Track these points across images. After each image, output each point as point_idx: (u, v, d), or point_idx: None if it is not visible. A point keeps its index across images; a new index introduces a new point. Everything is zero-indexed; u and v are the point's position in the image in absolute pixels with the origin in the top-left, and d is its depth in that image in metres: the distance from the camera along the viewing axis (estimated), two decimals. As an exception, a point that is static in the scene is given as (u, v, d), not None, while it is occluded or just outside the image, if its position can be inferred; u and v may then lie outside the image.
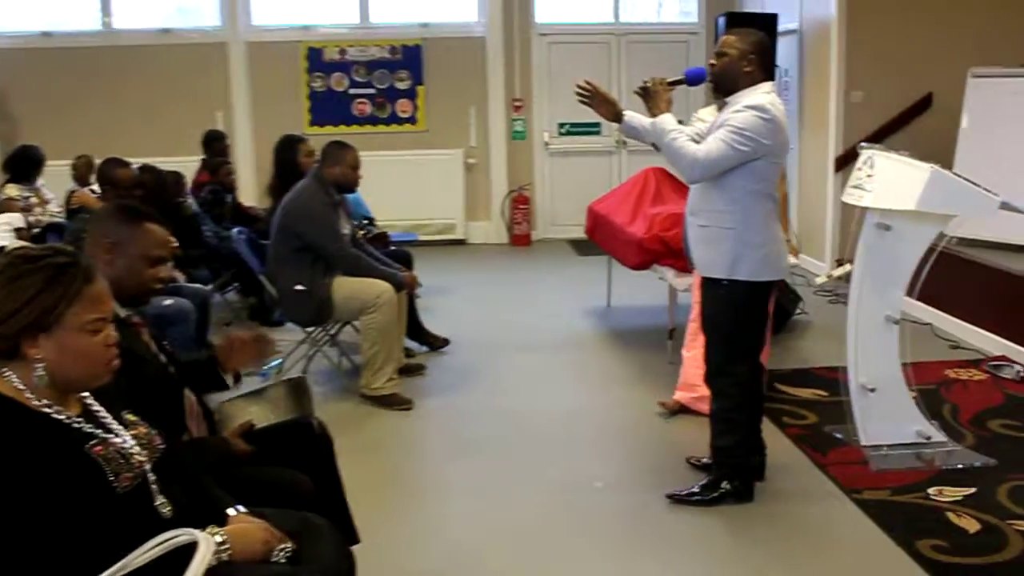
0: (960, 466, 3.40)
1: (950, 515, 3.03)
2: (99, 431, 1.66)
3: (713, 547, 2.96)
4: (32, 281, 1.58)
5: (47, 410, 1.61)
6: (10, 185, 5.68)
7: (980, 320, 5.01)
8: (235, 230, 5.05)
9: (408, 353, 4.86)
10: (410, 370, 4.68)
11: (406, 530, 3.08)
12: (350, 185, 4.43)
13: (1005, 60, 5.69)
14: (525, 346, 5.23)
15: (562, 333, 5.49)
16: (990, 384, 4.37)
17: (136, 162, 5.30)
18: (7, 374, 1.60)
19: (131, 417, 1.77)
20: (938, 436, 3.54)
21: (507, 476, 3.51)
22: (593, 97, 3.14)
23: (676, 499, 3.21)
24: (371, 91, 8.46)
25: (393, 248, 5.34)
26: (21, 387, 1.60)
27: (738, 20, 6.57)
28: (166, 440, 1.82)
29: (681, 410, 4.05)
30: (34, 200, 5.67)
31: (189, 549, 1.59)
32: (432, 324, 5.20)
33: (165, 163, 5.74)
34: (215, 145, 6.69)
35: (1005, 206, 3.30)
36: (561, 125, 8.72)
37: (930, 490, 3.22)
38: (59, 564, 1.52)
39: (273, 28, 8.38)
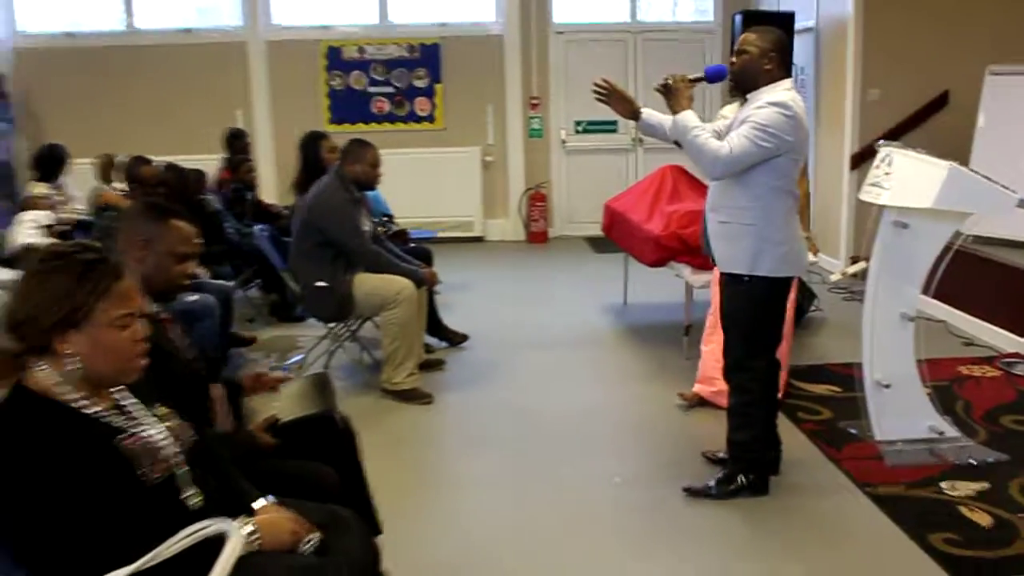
0: (973, 461, 3.42)
1: (963, 509, 3.05)
2: (129, 424, 1.68)
3: (730, 540, 2.98)
4: (62, 278, 1.61)
5: (78, 405, 1.63)
6: (37, 183, 5.79)
7: (993, 317, 5.01)
8: (258, 227, 5.10)
9: (428, 349, 4.90)
10: (430, 365, 4.72)
11: (425, 523, 3.10)
12: (370, 182, 4.46)
13: (1022, 58, 5.67)
14: (542, 342, 5.27)
15: (579, 329, 5.52)
16: (1003, 381, 4.38)
17: (159, 160, 5.40)
18: (40, 369, 1.63)
19: (162, 410, 1.80)
20: (951, 432, 3.56)
21: (525, 471, 3.54)
22: (610, 95, 3.16)
23: (693, 493, 3.24)
24: (390, 89, 8.52)
25: (413, 245, 5.37)
26: (53, 382, 1.62)
27: (754, 19, 6.56)
28: (195, 433, 1.85)
29: (700, 403, 4.09)
30: (59, 198, 5.77)
31: (219, 540, 1.61)
32: (451, 320, 5.25)
33: (186, 161, 5.81)
34: (236, 143, 6.77)
35: (1023, 204, 3.30)
36: (578, 123, 8.76)
37: (943, 484, 3.23)
38: (90, 555, 1.54)
39: (293, 27, 8.46)
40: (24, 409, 1.60)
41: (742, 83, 3.05)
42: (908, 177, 3.35)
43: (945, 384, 4.20)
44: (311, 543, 1.81)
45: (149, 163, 5.13)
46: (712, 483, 3.24)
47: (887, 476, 3.32)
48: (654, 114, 3.19)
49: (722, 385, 3.50)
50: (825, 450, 3.59)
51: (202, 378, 2.32)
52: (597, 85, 3.17)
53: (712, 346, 4.00)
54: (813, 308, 5.49)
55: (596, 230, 6.65)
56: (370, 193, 4.67)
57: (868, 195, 3.50)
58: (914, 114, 6.43)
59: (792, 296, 3.77)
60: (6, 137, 7.54)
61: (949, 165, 3.27)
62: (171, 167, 5.31)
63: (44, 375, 1.62)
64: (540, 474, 3.51)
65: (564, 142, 8.80)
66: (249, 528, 1.70)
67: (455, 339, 5.17)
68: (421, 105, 8.57)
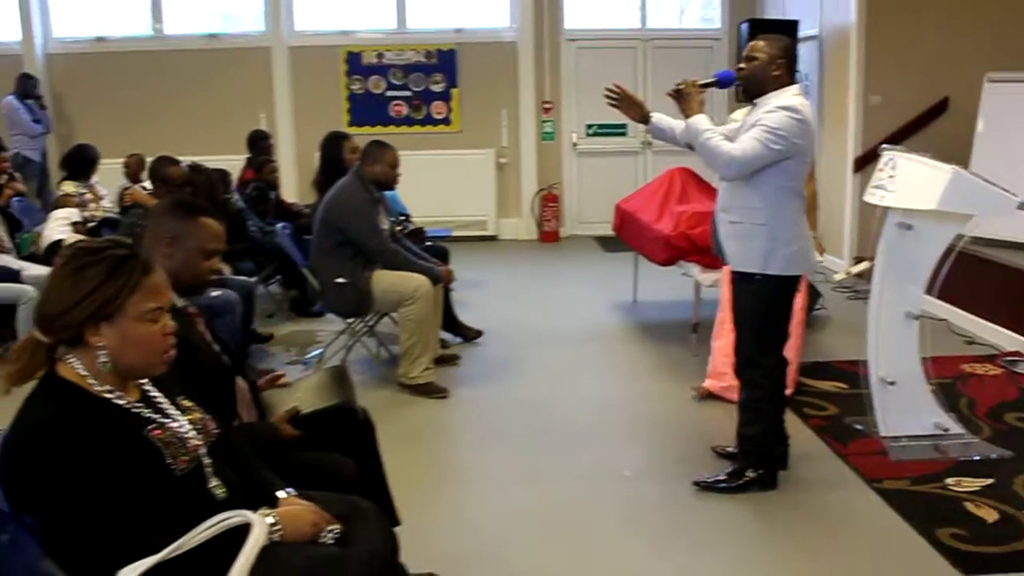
0: (977, 457, 3.44)
1: (968, 505, 3.07)
2: (157, 416, 1.71)
3: (741, 533, 3.00)
4: (95, 272, 1.63)
5: (108, 395, 1.66)
6: (67, 182, 5.94)
7: (995, 316, 5.05)
8: (279, 225, 5.19)
9: (443, 344, 4.97)
10: (445, 360, 4.80)
11: (438, 515, 3.13)
12: (389, 183, 4.54)
13: (1021, 65, 5.72)
14: (554, 338, 5.34)
15: (590, 326, 5.59)
16: (1005, 378, 4.41)
17: (185, 160, 5.51)
18: (71, 361, 1.65)
19: (187, 403, 1.82)
20: (955, 428, 3.59)
21: (537, 464, 3.57)
22: (622, 100, 3.25)
23: (703, 486, 3.28)
24: (407, 93, 8.66)
25: (430, 243, 5.43)
26: (84, 373, 1.64)
27: (760, 27, 6.61)
28: (220, 425, 1.87)
29: (710, 396, 4.17)
30: (89, 196, 5.92)
31: (242, 530, 1.62)
32: (465, 316, 5.34)
33: (211, 161, 5.90)
34: (259, 144, 6.88)
35: (1023, 206, 3.36)
36: (589, 126, 8.86)
37: (948, 480, 3.25)
38: (119, 543, 1.56)
39: (314, 34, 8.62)
40: (57, 397, 1.62)
41: (751, 88, 3.11)
42: (912, 180, 3.39)
43: (949, 381, 4.22)
44: (332, 534, 1.83)
45: (176, 163, 5.24)
46: (722, 477, 3.28)
47: (893, 471, 3.35)
48: (663, 118, 3.27)
49: (732, 380, 3.56)
50: (832, 445, 3.63)
51: (229, 371, 2.35)
52: (609, 90, 3.25)
53: (722, 342, 4.08)
54: (818, 307, 5.54)
55: (606, 230, 6.73)
56: (387, 193, 4.72)
57: (873, 197, 3.54)
58: (915, 119, 6.50)
59: (802, 294, 3.86)
60: (40, 139, 7.71)
61: (952, 169, 3.31)
62: (196, 167, 5.41)
63: (75, 366, 1.64)
64: (552, 467, 3.55)
65: (575, 145, 8.90)
66: (271, 519, 1.72)
67: (469, 335, 5.24)
68: (438, 109, 8.70)
